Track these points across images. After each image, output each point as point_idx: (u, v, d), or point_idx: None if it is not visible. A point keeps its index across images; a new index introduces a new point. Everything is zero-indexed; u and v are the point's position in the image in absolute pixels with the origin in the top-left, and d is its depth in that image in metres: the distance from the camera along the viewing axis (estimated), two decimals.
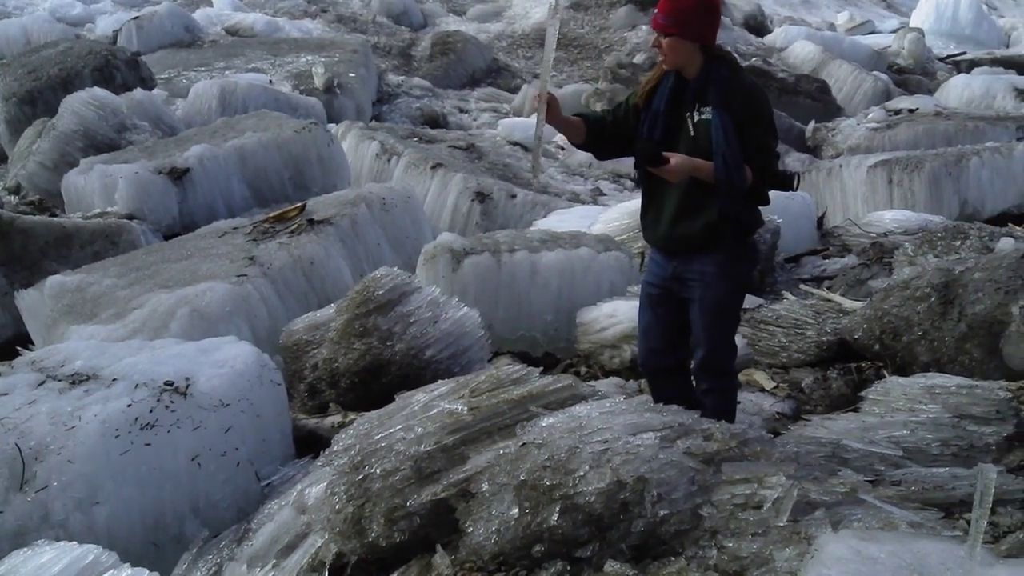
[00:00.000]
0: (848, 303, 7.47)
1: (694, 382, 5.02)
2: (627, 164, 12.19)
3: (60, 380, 4.77)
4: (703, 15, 4.58)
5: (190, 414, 4.55)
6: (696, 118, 4.60)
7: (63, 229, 9.16)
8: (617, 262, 7.75)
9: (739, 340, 6.63)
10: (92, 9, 25.33)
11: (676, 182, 4.60)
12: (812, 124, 17.48)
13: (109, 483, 4.26)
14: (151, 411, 4.46)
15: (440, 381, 4.86)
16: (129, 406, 4.45)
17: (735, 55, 4.93)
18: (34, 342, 7.43)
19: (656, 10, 4.60)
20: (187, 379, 4.71)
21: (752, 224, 4.77)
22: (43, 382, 4.78)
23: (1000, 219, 11.21)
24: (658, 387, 5.09)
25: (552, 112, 4.81)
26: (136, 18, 22.05)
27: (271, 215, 8.50)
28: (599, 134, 4.94)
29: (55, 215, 10.73)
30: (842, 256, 9.55)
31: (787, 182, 4.83)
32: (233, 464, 4.67)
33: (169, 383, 4.65)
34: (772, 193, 4.85)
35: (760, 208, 4.84)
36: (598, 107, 17.77)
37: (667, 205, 4.76)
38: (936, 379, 5.33)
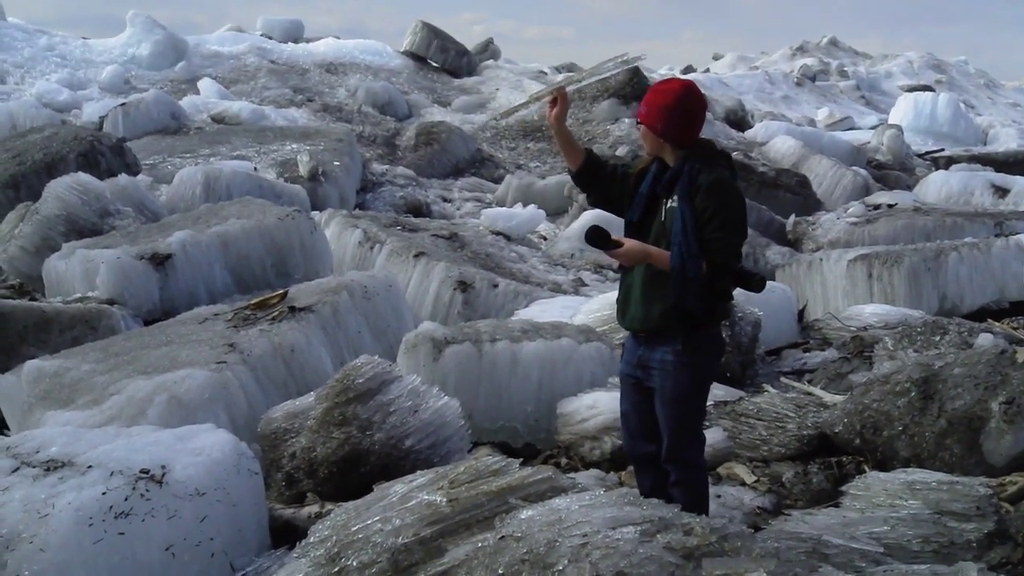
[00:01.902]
0: (829, 397, 7.47)
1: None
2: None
3: (34, 467, 4.71)
4: (677, 118, 4.71)
5: (165, 503, 4.49)
6: (667, 204, 4.72)
7: (43, 313, 9.12)
8: (598, 353, 7.74)
9: (720, 433, 6.64)
10: (79, 95, 25.52)
11: (629, 266, 4.76)
12: (792, 218, 17.64)
13: (81, 573, 4.19)
14: (126, 499, 4.41)
15: (419, 472, 4.83)
16: (104, 494, 4.40)
17: (722, 150, 4.99)
18: (9, 427, 7.35)
19: (642, 105, 4.79)
20: (163, 467, 4.66)
21: (706, 316, 4.77)
22: (17, 468, 4.71)
23: (979, 314, 11.29)
24: (639, 475, 5.15)
25: (560, 113, 4.93)
26: (123, 104, 22.22)
27: (252, 302, 8.48)
28: (595, 171, 5.03)
29: (35, 299, 10.68)
30: (823, 349, 9.58)
31: (749, 281, 4.81)
32: (208, 554, 4.60)
33: (145, 471, 4.60)
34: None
35: (723, 302, 4.87)
36: (580, 198, 17.91)
37: (633, 289, 4.87)
38: (916, 475, 5.32)
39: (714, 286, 4.70)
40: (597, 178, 5.03)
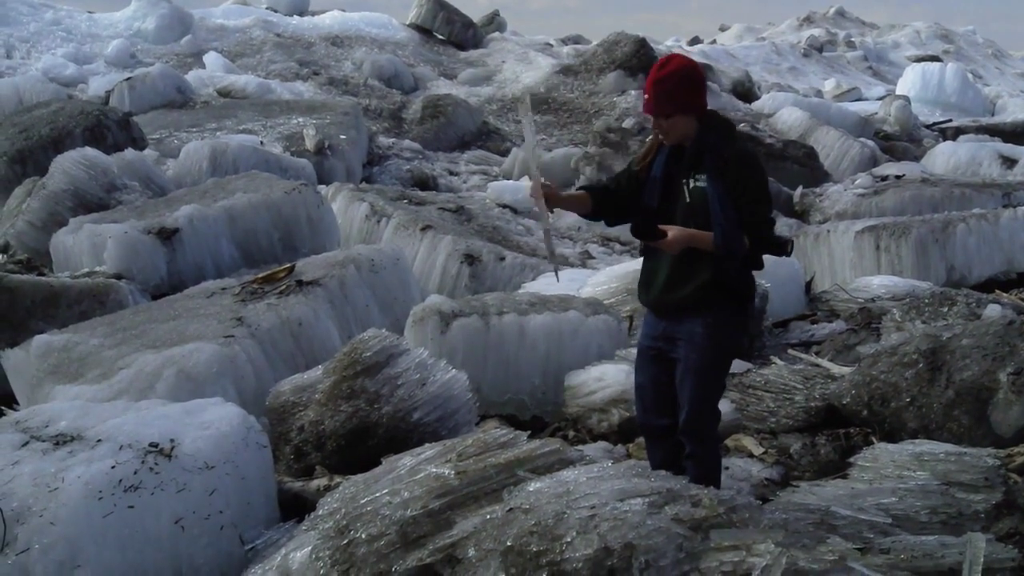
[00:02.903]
0: (836, 369, 7.47)
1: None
2: (618, 227, 12.25)
3: (44, 441, 4.73)
4: (690, 88, 4.65)
5: (174, 476, 4.51)
6: (692, 185, 4.64)
7: (51, 288, 9.13)
8: (606, 325, 7.74)
9: (727, 405, 6.64)
10: (85, 70, 25.45)
11: (675, 253, 4.63)
12: (800, 190, 17.58)
13: (91, 546, 4.21)
14: (135, 473, 4.42)
15: (427, 444, 4.84)
16: (113, 468, 4.41)
17: (728, 118, 4.96)
18: (19, 402, 7.38)
19: (645, 95, 4.66)
20: (172, 441, 4.67)
21: (745, 289, 4.79)
22: (27, 443, 4.73)
23: (987, 285, 11.26)
24: (651, 448, 5.12)
25: (553, 198, 4.83)
26: (129, 79, 22.16)
27: (260, 276, 8.49)
28: (604, 203, 4.99)
29: (43, 274, 10.69)
30: (830, 321, 9.56)
31: (781, 247, 4.87)
32: (217, 527, 4.62)
33: (154, 445, 4.61)
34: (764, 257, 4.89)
35: (756, 273, 4.88)
36: (587, 171, 17.89)
37: (661, 270, 4.80)
38: (924, 446, 5.31)
39: (754, 257, 4.74)
40: (611, 205, 5.00)
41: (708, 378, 4.87)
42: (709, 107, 4.81)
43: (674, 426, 4.96)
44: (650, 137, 4.99)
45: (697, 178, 4.63)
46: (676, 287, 4.73)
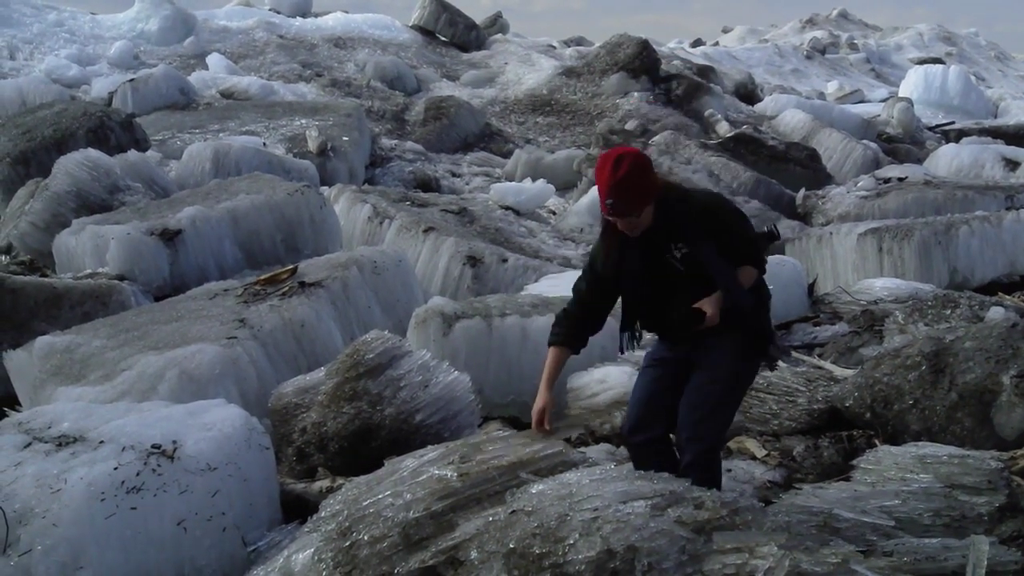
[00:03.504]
0: (839, 371, 7.46)
1: (678, 455, 4.93)
2: None
3: (46, 442, 4.73)
4: (649, 177, 4.55)
5: (177, 478, 4.51)
6: (678, 255, 4.58)
7: (53, 289, 9.14)
8: (608, 328, 7.73)
9: None
10: (88, 71, 25.49)
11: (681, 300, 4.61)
12: (802, 192, 17.58)
13: (93, 547, 4.21)
14: (137, 474, 4.42)
15: (430, 446, 4.84)
16: (115, 469, 4.41)
17: (669, 180, 4.92)
18: (21, 403, 7.38)
19: (608, 200, 4.49)
20: (174, 442, 4.67)
21: (763, 305, 4.87)
22: (29, 444, 4.74)
23: (989, 288, 11.26)
24: (641, 460, 4.90)
25: (549, 411, 4.84)
26: (132, 80, 22.20)
27: (262, 277, 8.49)
28: (583, 335, 5.00)
29: (46, 275, 10.70)
30: (833, 324, 9.56)
31: (772, 238, 4.88)
32: (219, 529, 4.62)
33: (156, 446, 4.61)
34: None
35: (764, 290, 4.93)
36: (589, 172, 17.85)
37: (672, 313, 4.70)
38: (927, 448, 5.31)
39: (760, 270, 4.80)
40: (590, 328, 5.00)
41: (733, 387, 4.83)
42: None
43: (663, 439, 4.92)
44: (598, 240, 4.88)
45: (679, 247, 4.58)
46: (700, 320, 4.67)
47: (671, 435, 4.96)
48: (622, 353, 5.15)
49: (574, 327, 4.96)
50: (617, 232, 4.67)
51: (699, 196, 4.78)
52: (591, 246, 5.02)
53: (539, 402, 4.81)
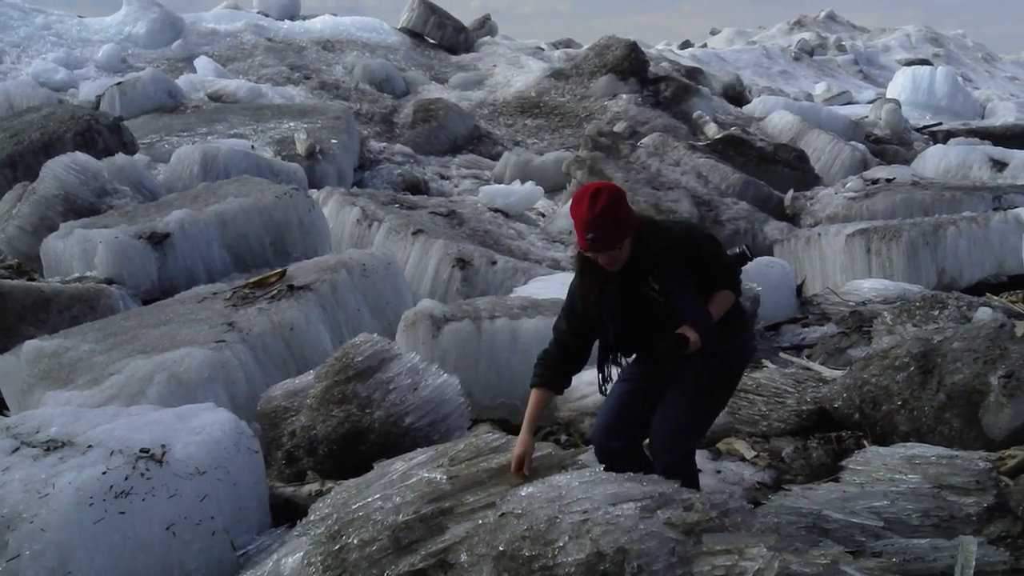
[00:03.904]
0: (828, 372, 7.48)
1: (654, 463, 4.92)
2: None
3: (35, 446, 4.72)
4: (627, 210, 4.52)
5: (165, 482, 4.50)
6: (658, 287, 4.56)
7: (41, 293, 9.11)
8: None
9: None
10: (75, 74, 25.42)
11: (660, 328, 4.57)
12: (791, 193, 17.63)
13: (82, 552, 4.20)
14: (126, 479, 4.41)
15: (419, 449, 4.83)
16: (104, 473, 4.40)
17: (642, 212, 4.90)
18: (9, 407, 7.36)
19: (588, 234, 4.43)
20: (163, 446, 4.66)
21: (738, 324, 4.84)
22: (17, 448, 4.72)
23: (977, 288, 11.30)
24: (611, 467, 4.78)
25: (529, 457, 4.58)
26: (119, 83, 22.16)
27: (251, 280, 8.48)
28: (567, 374, 4.90)
29: (33, 279, 10.67)
30: (821, 325, 9.58)
31: (744, 260, 4.90)
32: (208, 533, 4.61)
33: (145, 450, 4.60)
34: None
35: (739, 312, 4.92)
36: (579, 174, 17.86)
37: (658, 344, 4.64)
38: (916, 449, 5.32)
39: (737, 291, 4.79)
40: (574, 367, 4.89)
41: (709, 401, 4.85)
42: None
43: (633, 448, 4.92)
44: (574, 280, 4.82)
45: (656, 281, 4.56)
46: (674, 353, 4.62)
47: (643, 443, 4.97)
48: (602, 392, 5.07)
49: (558, 369, 4.86)
50: (595, 270, 4.63)
51: (673, 228, 4.73)
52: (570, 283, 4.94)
53: (519, 448, 4.52)
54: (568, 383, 4.90)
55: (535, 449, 4.58)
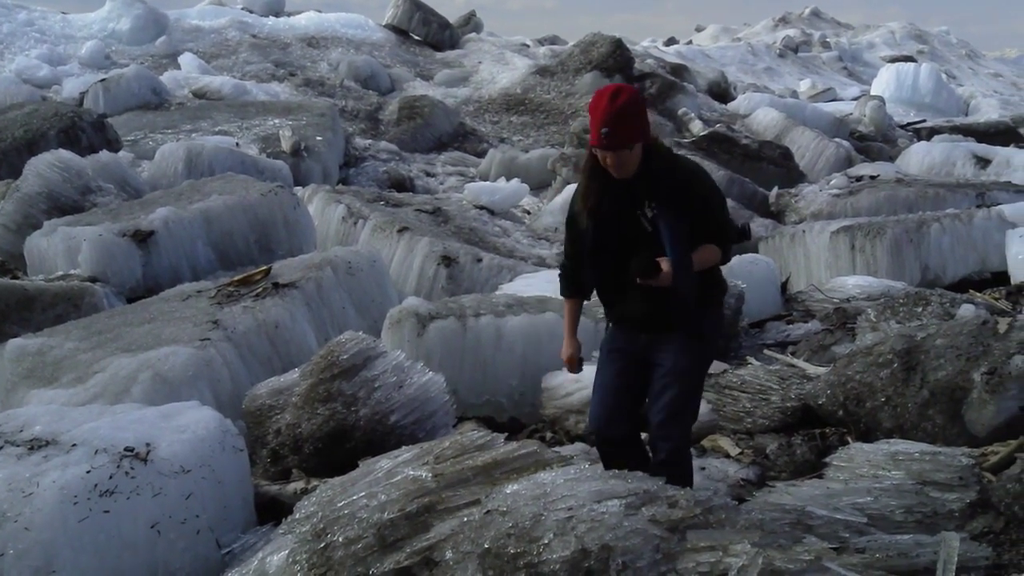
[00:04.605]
0: (812, 369, 7.49)
1: (650, 452, 4.96)
2: None
3: (18, 445, 4.70)
4: (644, 115, 4.56)
5: (150, 480, 4.49)
6: (649, 215, 4.57)
7: (25, 292, 9.07)
8: (583, 327, 7.74)
9: (703, 406, 6.65)
10: (59, 71, 25.34)
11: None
12: (775, 190, 17.66)
13: (66, 551, 4.19)
14: (111, 477, 4.41)
15: (404, 447, 4.83)
16: (88, 472, 4.39)
17: (662, 141, 4.91)
18: None
19: (603, 128, 4.43)
20: (148, 445, 4.65)
21: (712, 300, 4.83)
22: (1, 447, 4.70)
23: (961, 285, 11.32)
24: (611, 459, 4.91)
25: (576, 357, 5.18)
26: (103, 80, 22.10)
27: (236, 278, 8.46)
28: (583, 285, 5.05)
29: (17, 277, 10.63)
30: (806, 321, 9.59)
31: (744, 235, 4.91)
32: (193, 532, 4.61)
33: (129, 449, 4.59)
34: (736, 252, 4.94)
35: (719, 280, 4.92)
36: (564, 172, 17.89)
37: (635, 296, 4.71)
38: (899, 445, 5.34)
39: (725, 258, 4.80)
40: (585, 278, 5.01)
41: (693, 380, 4.87)
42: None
43: (633, 435, 4.95)
44: (581, 180, 4.82)
45: (653, 207, 4.56)
46: (659, 310, 4.68)
47: (637, 434, 5.00)
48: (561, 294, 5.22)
49: (574, 279, 5.04)
50: (601, 175, 4.64)
51: (687, 162, 4.76)
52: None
53: (568, 350, 5.13)
54: (590, 291, 5.09)
55: (580, 351, 5.16)
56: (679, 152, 4.87)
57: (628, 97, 4.47)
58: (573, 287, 5.06)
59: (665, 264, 4.48)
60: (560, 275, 5.13)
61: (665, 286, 4.53)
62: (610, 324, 5.06)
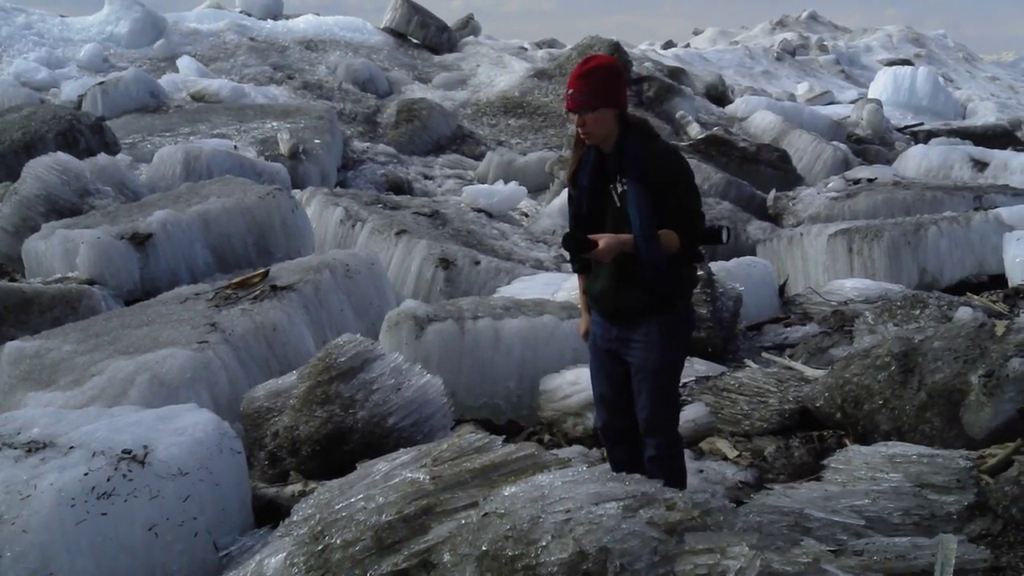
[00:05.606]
0: (810, 371, 7.50)
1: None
2: None
3: (16, 448, 4.70)
4: (615, 83, 4.65)
5: (148, 483, 4.49)
6: (619, 189, 4.64)
7: (23, 294, 9.07)
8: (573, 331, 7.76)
9: (701, 408, 6.66)
10: (57, 74, 25.32)
11: (608, 261, 4.65)
12: (773, 193, 17.66)
13: (64, 554, 4.19)
14: (108, 480, 4.40)
15: (402, 449, 4.83)
16: (86, 475, 4.39)
17: (648, 121, 4.97)
18: None
19: (570, 90, 4.63)
20: (145, 447, 4.65)
21: (680, 289, 4.83)
22: None
23: (958, 288, 11.34)
24: (613, 452, 5.14)
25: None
26: (102, 83, 22.08)
27: (234, 281, 8.46)
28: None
29: (15, 280, 10.63)
30: (803, 324, 9.60)
31: (715, 237, 4.89)
32: (191, 534, 4.60)
33: (127, 451, 4.59)
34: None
35: (691, 269, 4.95)
36: (561, 174, 17.89)
37: (603, 275, 4.83)
38: (897, 448, 5.34)
39: (690, 252, 4.77)
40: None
41: (667, 377, 4.90)
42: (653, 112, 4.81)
43: (634, 428, 4.98)
44: (571, 148, 4.99)
45: (623, 182, 4.63)
46: (624, 293, 4.75)
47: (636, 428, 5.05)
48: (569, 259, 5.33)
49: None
50: (581, 144, 4.78)
51: (663, 144, 4.81)
52: (562, 249, 5.13)
53: (582, 326, 5.26)
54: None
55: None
56: None
57: (599, 63, 4.66)
58: (585, 261, 5.05)
59: (603, 240, 4.55)
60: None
61: (603, 261, 4.65)
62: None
